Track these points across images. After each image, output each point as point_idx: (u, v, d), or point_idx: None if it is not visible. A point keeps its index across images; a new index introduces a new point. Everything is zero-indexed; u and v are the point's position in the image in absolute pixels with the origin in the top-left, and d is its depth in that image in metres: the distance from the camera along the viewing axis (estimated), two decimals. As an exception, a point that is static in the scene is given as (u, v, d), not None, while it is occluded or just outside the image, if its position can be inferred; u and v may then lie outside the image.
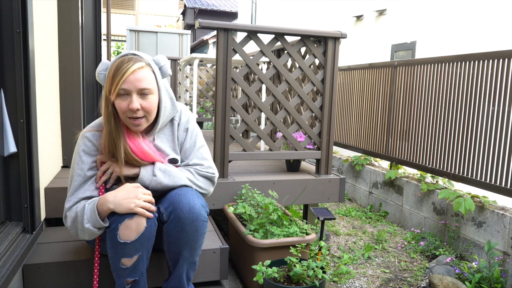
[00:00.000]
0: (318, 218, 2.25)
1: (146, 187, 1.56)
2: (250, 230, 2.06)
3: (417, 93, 3.34)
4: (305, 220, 2.69)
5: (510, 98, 2.52)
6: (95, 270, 1.59)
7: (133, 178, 1.59)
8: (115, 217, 1.44)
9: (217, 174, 1.74)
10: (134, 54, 1.52)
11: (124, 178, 1.57)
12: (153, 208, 1.48)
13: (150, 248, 1.53)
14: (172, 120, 1.70)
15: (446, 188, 3.06)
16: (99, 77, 1.54)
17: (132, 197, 1.45)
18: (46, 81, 2.16)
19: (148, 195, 1.49)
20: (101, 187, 1.57)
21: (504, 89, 2.56)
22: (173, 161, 1.67)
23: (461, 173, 2.88)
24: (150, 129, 1.64)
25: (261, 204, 2.22)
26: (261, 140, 2.68)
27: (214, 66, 5.17)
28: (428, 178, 3.32)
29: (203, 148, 1.74)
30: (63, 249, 1.85)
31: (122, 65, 1.47)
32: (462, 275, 2.34)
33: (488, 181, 2.66)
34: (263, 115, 3.50)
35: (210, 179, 1.71)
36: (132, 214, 1.44)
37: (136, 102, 1.47)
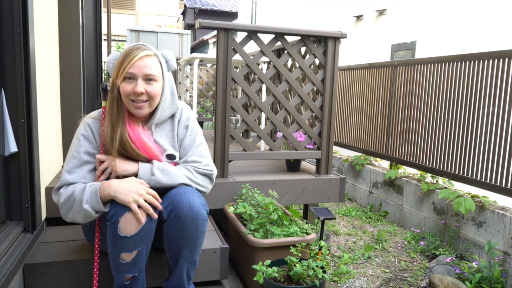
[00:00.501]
0: (318, 218, 2.25)
1: None
2: (250, 230, 2.06)
3: (417, 93, 3.35)
4: (305, 220, 2.69)
5: (510, 98, 2.52)
6: (95, 270, 1.59)
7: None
8: (116, 210, 1.44)
9: (215, 172, 1.74)
10: (143, 45, 1.59)
11: (122, 177, 1.57)
12: (151, 211, 1.47)
13: (149, 244, 1.54)
14: (172, 117, 1.71)
15: (446, 188, 3.06)
16: (108, 66, 1.59)
17: (134, 191, 1.45)
18: (47, 80, 2.16)
19: (152, 196, 1.49)
20: None
21: (505, 89, 2.56)
22: (170, 157, 1.67)
23: (461, 173, 2.89)
24: (148, 120, 1.65)
25: (261, 204, 2.23)
26: (261, 140, 2.69)
27: (214, 66, 5.17)
28: (428, 178, 3.32)
29: (202, 146, 1.75)
30: (63, 249, 1.86)
31: (131, 52, 1.54)
32: (462, 275, 2.35)
33: (488, 181, 2.66)
34: (263, 115, 3.50)
35: (208, 176, 1.71)
36: None
37: (141, 86, 1.52)
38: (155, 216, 1.49)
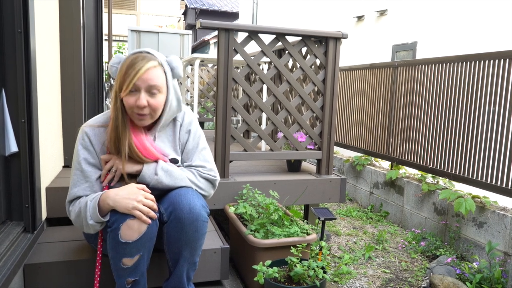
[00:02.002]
0: (319, 218, 2.25)
1: (147, 185, 1.56)
2: (251, 230, 2.06)
3: (418, 93, 3.34)
4: (305, 220, 2.69)
5: (511, 98, 2.51)
6: (96, 270, 1.59)
7: (135, 176, 1.59)
8: (117, 217, 1.44)
9: (218, 178, 1.74)
10: (148, 53, 1.53)
11: (127, 175, 1.57)
12: (152, 213, 1.47)
13: (151, 248, 1.54)
14: (174, 121, 1.70)
15: (446, 188, 3.06)
16: (111, 69, 1.56)
17: (133, 198, 1.45)
18: (48, 81, 2.16)
19: (150, 200, 1.48)
20: (105, 186, 1.58)
21: (506, 89, 2.55)
22: (173, 161, 1.67)
23: (462, 173, 2.88)
24: (152, 126, 1.64)
25: (262, 204, 2.22)
26: (262, 140, 2.68)
27: (215, 66, 5.17)
28: (429, 178, 3.31)
29: (206, 151, 1.74)
30: (64, 249, 1.86)
31: (135, 63, 1.47)
32: (462, 276, 2.34)
33: (489, 182, 2.66)
34: (264, 115, 3.50)
35: (211, 181, 1.71)
36: None
37: (144, 99, 1.48)
38: (155, 216, 1.49)
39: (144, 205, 1.46)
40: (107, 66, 1.59)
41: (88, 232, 1.55)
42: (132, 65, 1.47)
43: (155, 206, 1.49)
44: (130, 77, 1.46)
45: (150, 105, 1.50)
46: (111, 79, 1.83)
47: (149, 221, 1.46)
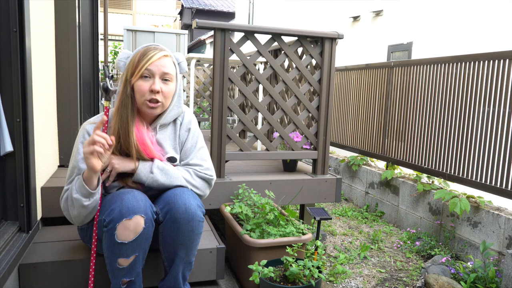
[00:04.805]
0: (315, 218, 2.26)
1: (142, 183, 1.57)
2: (247, 230, 2.06)
3: (413, 93, 3.36)
4: (301, 220, 2.69)
5: (505, 99, 2.53)
6: (91, 270, 1.58)
7: (130, 175, 1.59)
8: (113, 217, 1.44)
9: (214, 177, 1.75)
10: (158, 45, 1.61)
11: (122, 174, 1.57)
12: (109, 142, 1.41)
13: (147, 248, 1.54)
14: (175, 120, 1.72)
15: (441, 188, 3.07)
16: (118, 64, 1.60)
17: (89, 148, 1.40)
18: (43, 80, 2.15)
19: (102, 138, 1.40)
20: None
21: (500, 90, 2.57)
22: (171, 160, 1.68)
23: (456, 173, 2.90)
24: (154, 119, 1.66)
25: (258, 204, 2.23)
26: (258, 140, 2.69)
27: (211, 66, 5.17)
28: (424, 178, 3.33)
29: (203, 150, 1.76)
30: (59, 249, 1.85)
31: (149, 51, 1.55)
32: (457, 275, 2.36)
33: (483, 182, 2.67)
34: (260, 115, 3.50)
35: (207, 181, 1.72)
36: (130, 215, 1.43)
37: (158, 84, 1.54)
38: (112, 143, 1.42)
39: (99, 146, 1.40)
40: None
41: (73, 217, 1.52)
42: (145, 53, 1.55)
43: (108, 140, 1.42)
44: (143, 61, 1.52)
45: (163, 91, 1.56)
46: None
47: (109, 150, 1.41)
